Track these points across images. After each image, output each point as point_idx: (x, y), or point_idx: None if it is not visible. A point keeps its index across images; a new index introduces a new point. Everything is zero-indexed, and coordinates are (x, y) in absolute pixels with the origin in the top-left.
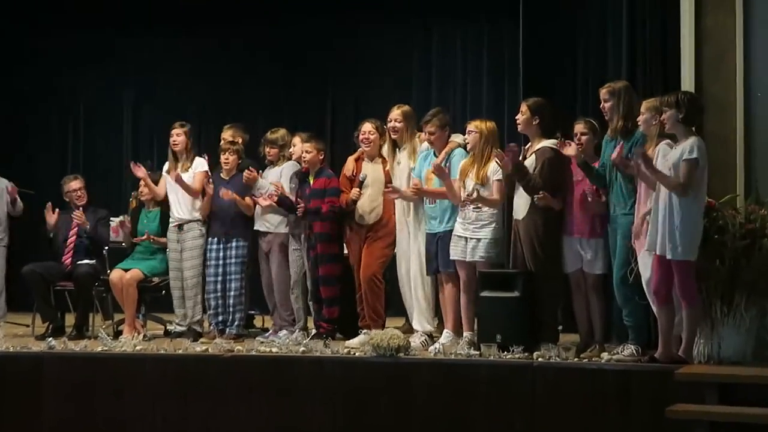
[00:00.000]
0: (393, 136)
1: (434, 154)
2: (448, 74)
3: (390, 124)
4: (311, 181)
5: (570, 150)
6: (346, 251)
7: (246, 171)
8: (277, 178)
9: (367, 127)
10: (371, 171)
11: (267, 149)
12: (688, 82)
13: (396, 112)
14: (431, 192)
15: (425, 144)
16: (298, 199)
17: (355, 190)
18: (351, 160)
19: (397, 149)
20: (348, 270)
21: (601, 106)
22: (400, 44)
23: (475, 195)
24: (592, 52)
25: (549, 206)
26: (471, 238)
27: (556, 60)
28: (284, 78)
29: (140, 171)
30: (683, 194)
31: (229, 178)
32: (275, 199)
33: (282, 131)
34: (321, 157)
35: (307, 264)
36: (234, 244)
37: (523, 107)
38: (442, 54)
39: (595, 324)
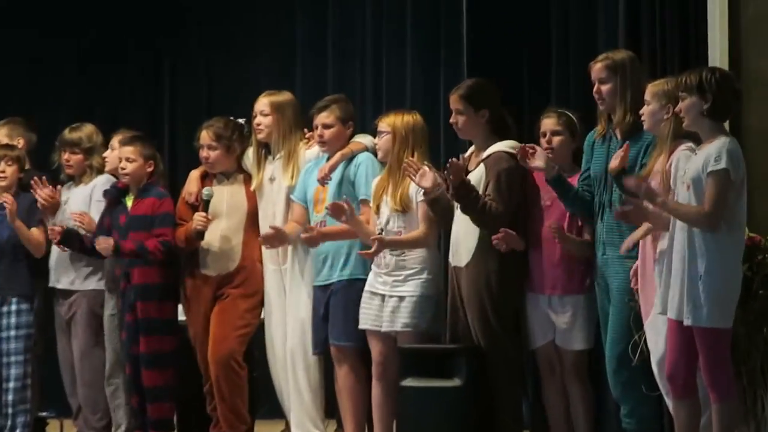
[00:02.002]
0: (259, 137)
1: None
2: (353, 51)
3: (255, 120)
4: (129, 204)
5: (537, 160)
6: (183, 316)
7: (37, 185)
8: (85, 201)
9: (205, 138)
10: (225, 193)
11: (66, 155)
12: (718, 55)
13: (262, 102)
14: (331, 233)
15: (314, 149)
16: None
17: (199, 216)
18: (195, 177)
19: (270, 157)
20: (187, 345)
21: (594, 90)
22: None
23: (384, 236)
24: (573, 10)
25: (510, 247)
26: (390, 296)
27: (516, 25)
28: (97, 54)
29: None
30: (712, 227)
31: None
32: (57, 237)
33: (88, 128)
34: (149, 170)
35: (120, 335)
36: (13, 307)
37: (458, 102)
38: (342, 20)
39: (577, 426)
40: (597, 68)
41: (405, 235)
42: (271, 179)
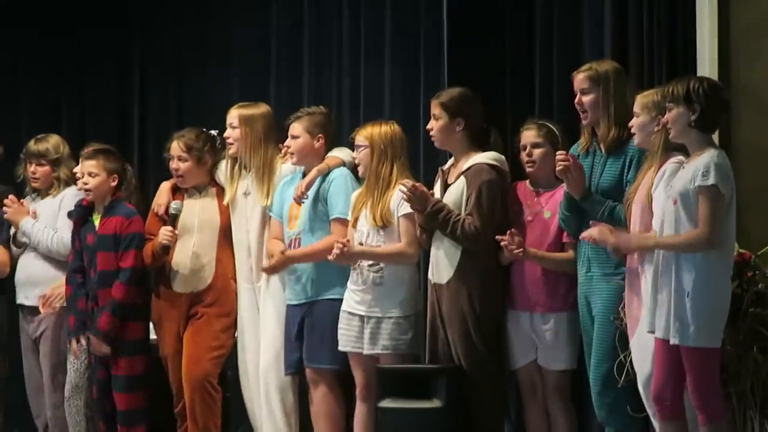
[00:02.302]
0: (230, 151)
1: (303, 176)
2: (329, 60)
3: (225, 133)
4: (96, 223)
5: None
6: (154, 335)
7: (6, 201)
8: (54, 213)
9: (175, 149)
10: (197, 208)
11: (32, 168)
12: (707, 66)
13: (231, 114)
14: (301, 255)
15: (289, 164)
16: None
17: (165, 231)
18: (165, 189)
19: (244, 171)
20: (158, 366)
21: (576, 100)
22: (248, 8)
23: (362, 248)
24: (557, 19)
25: (489, 263)
26: (369, 318)
27: (499, 35)
28: (64, 60)
29: None
30: (713, 246)
31: None
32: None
33: (54, 139)
34: (113, 184)
35: (87, 357)
36: None
37: (436, 108)
38: (319, 23)
39: None
40: (579, 78)
41: (384, 247)
42: (246, 194)
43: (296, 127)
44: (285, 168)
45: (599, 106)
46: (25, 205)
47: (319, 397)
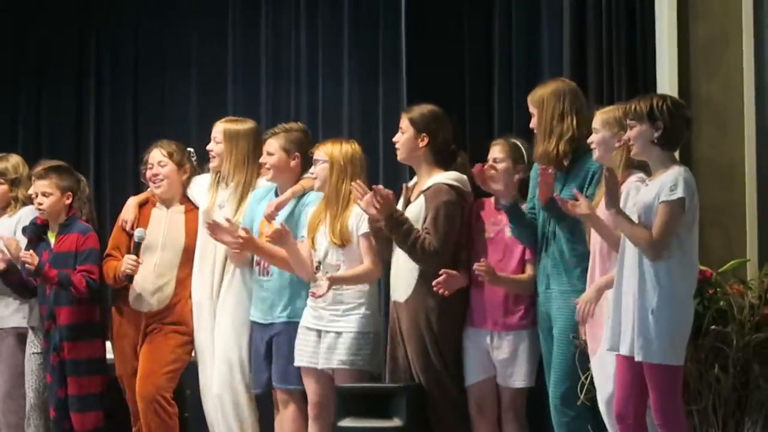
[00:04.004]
0: (213, 165)
1: (276, 193)
2: (287, 74)
3: (208, 147)
4: (52, 241)
5: (497, 182)
6: (111, 354)
7: None
8: (10, 233)
9: (156, 156)
10: (163, 224)
11: None
12: (667, 80)
13: (216, 128)
14: (263, 249)
15: (264, 179)
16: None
17: (129, 260)
18: (132, 204)
19: (223, 183)
20: (115, 386)
21: (531, 124)
22: (207, 15)
23: (323, 284)
24: (516, 33)
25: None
26: (327, 332)
27: (457, 52)
28: (19, 73)
29: None
30: (656, 255)
31: None
32: (1, 265)
33: (14, 159)
34: (67, 202)
35: (44, 377)
36: None
37: (404, 121)
38: (276, 35)
39: None
40: (530, 100)
41: (352, 270)
42: (220, 206)
43: (272, 144)
44: (261, 181)
45: (547, 124)
46: None
47: (290, 417)
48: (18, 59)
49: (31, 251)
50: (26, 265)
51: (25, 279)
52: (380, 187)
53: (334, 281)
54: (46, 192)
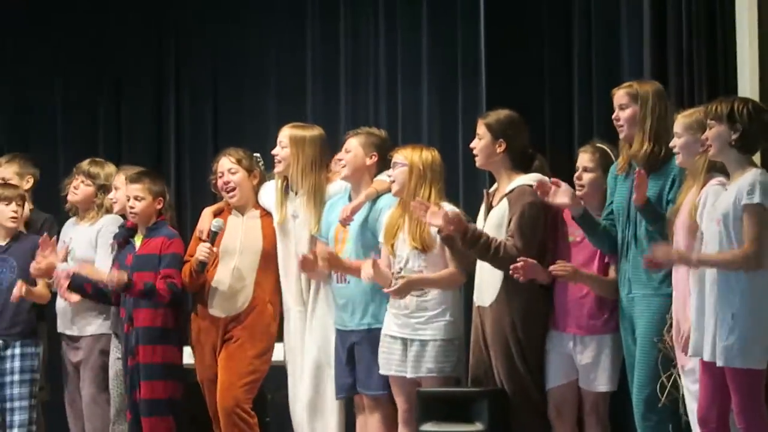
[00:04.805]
0: (276, 170)
1: (349, 198)
2: (366, 82)
3: (273, 151)
4: (137, 244)
5: (560, 196)
6: (193, 359)
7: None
8: (91, 242)
9: (225, 164)
10: (240, 230)
11: (75, 183)
12: (748, 84)
13: (282, 133)
14: (348, 266)
15: (339, 184)
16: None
17: (203, 247)
18: (207, 214)
19: (291, 193)
20: (197, 391)
21: (614, 116)
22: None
23: (399, 281)
24: (596, 37)
25: (533, 282)
26: (413, 341)
27: (537, 56)
28: (101, 82)
29: None
30: (758, 265)
31: (6, 243)
32: (65, 282)
33: (110, 168)
34: (158, 207)
35: (124, 380)
36: (17, 350)
37: (481, 127)
38: (356, 46)
39: None
40: (619, 94)
41: (435, 273)
42: (294, 216)
43: (352, 142)
44: (332, 188)
45: (635, 121)
46: (57, 248)
47: (376, 423)
48: (97, 65)
49: (117, 271)
50: (112, 287)
51: (95, 289)
52: (444, 209)
53: (412, 283)
54: (138, 196)
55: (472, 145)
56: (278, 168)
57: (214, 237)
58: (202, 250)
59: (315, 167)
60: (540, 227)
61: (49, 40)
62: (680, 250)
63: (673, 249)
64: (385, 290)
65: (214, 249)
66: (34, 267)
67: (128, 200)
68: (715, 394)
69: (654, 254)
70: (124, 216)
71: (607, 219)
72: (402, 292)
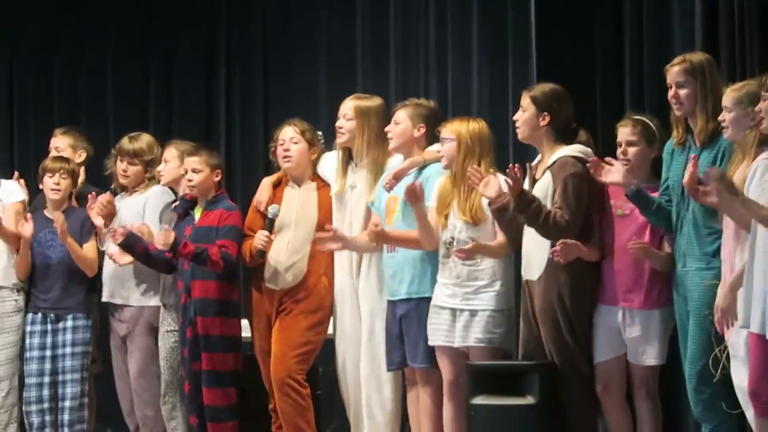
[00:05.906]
0: (339, 141)
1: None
2: (416, 55)
3: (337, 123)
4: (197, 217)
5: (612, 174)
6: (249, 332)
7: (97, 200)
8: (138, 212)
9: (288, 132)
10: (296, 202)
11: (122, 165)
12: None
13: (347, 105)
14: (395, 237)
15: (397, 157)
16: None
17: (261, 235)
18: (266, 184)
19: (353, 164)
20: (252, 363)
21: (671, 94)
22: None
23: (468, 245)
24: (647, 7)
25: (579, 258)
26: (462, 310)
27: (588, 30)
28: (151, 57)
29: None
30: None
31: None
32: (120, 239)
33: (147, 138)
34: (217, 179)
35: (181, 350)
36: (68, 323)
37: (525, 99)
38: (405, 17)
39: None
40: (674, 71)
41: (492, 242)
42: (352, 187)
43: (400, 114)
44: (392, 161)
45: (696, 99)
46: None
47: (427, 397)
48: (148, 41)
49: (167, 227)
50: (162, 245)
51: (148, 252)
52: (512, 166)
53: (480, 248)
54: (196, 168)
55: (515, 116)
56: (342, 139)
57: (271, 224)
58: (260, 239)
59: (379, 139)
60: (584, 198)
61: (100, 16)
62: (727, 179)
63: (728, 174)
64: (455, 251)
65: (272, 237)
66: (96, 208)
67: (185, 173)
68: (766, 366)
69: (710, 173)
70: (172, 189)
71: (665, 194)
72: (471, 253)
